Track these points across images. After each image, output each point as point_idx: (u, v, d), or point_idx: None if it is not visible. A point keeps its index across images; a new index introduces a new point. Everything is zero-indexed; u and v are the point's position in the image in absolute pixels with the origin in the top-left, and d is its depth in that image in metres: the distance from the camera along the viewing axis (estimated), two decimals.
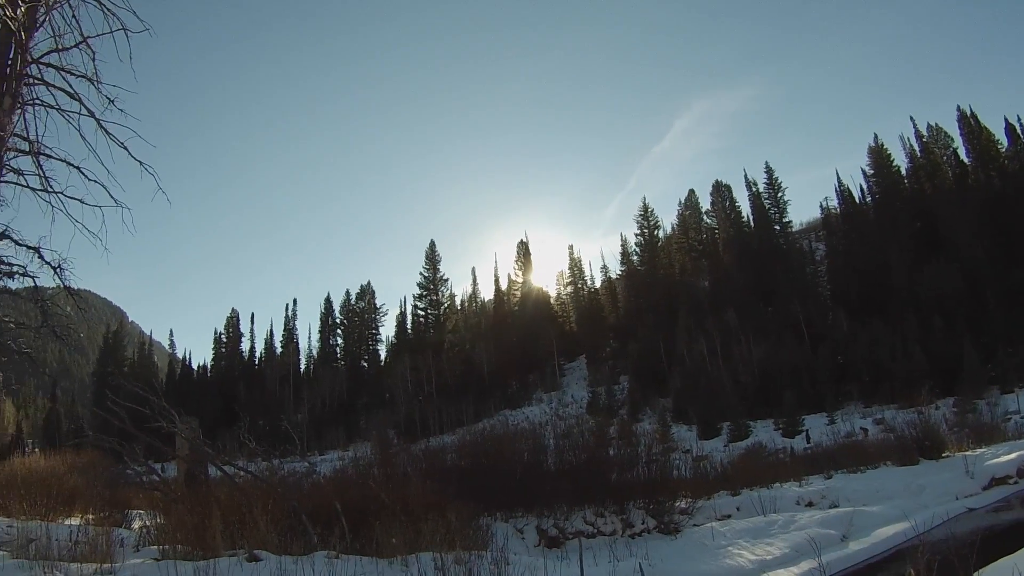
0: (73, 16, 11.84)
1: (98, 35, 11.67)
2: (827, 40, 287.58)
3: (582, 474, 13.63)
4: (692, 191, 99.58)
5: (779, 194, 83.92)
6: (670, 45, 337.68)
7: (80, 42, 11.67)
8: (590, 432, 16.23)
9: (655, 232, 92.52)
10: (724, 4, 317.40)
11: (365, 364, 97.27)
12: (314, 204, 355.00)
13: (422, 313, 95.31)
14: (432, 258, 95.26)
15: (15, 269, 11.39)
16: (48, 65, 11.80)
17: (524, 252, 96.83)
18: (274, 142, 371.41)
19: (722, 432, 52.26)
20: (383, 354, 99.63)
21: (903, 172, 77.65)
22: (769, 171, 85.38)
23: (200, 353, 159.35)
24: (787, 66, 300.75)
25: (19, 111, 11.45)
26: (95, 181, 11.57)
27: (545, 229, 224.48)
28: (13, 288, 11.80)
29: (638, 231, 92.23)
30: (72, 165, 11.56)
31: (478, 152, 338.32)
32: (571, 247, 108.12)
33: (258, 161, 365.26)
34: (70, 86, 11.78)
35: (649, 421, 58.80)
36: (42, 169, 11.64)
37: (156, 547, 8.70)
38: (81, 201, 11.51)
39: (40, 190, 11.60)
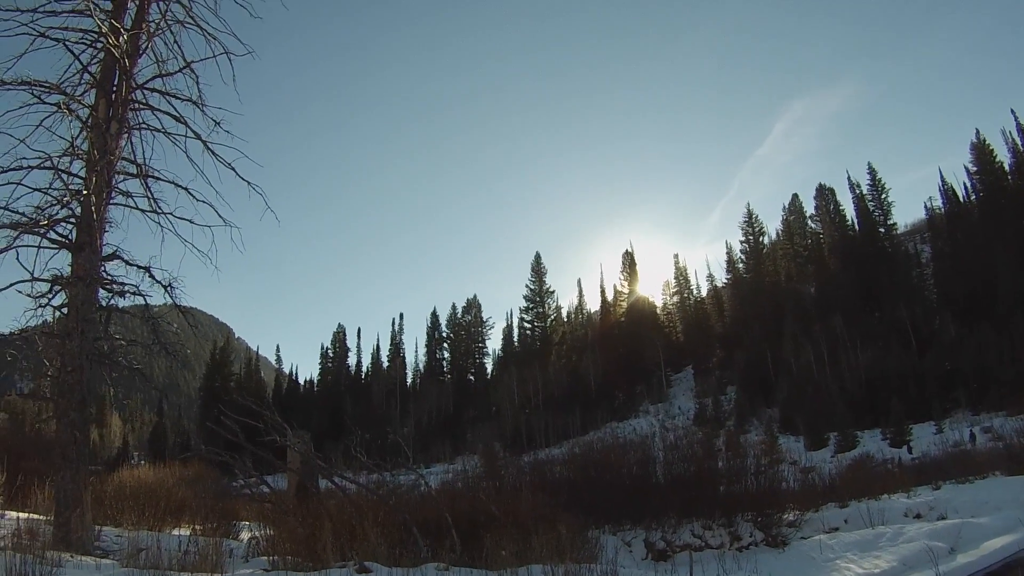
0: (175, 42, 12.17)
1: (201, 60, 11.97)
2: (923, 33, 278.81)
3: (690, 486, 13.45)
4: (796, 195, 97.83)
5: (883, 195, 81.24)
6: (765, 47, 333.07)
7: (184, 67, 11.95)
8: (698, 444, 15.95)
9: (760, 238, 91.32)
10: (818, 1, 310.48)
11: (472, 377, 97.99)
12: (419, 219, 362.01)
13: (528, 325, 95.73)
14: (538, 270, 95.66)
15: (127, 288, 11.68)
16: (153, 90, 12.10)
17: (629, 262, 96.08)
18: (379, 159, 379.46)
19: (829, 442, 51.25)
20: (490, 367, 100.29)
21: (1007, 168, 74.41)
22: (872, 172, 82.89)
23: (306, 368, 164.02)
24: (884, 62, 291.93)
25: (126, 135, 11.75)
26: (203, 201, 11.81)
27: (649, 238, 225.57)
28: (123, 306, 12.11)
29: (743, 238, 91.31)
30: (180, 186, 11.81)
31: (580, 162, 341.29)
32: (676, 256, 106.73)
33: (363, 178, 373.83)
34: (175, 110, 12.06)
35: (756, 432, 58.09)
36: (150, 191, 11.93)
37: (265, 557, 8.76)
38: (190, 221, 11.75)
39: (149, 211, 11.88)
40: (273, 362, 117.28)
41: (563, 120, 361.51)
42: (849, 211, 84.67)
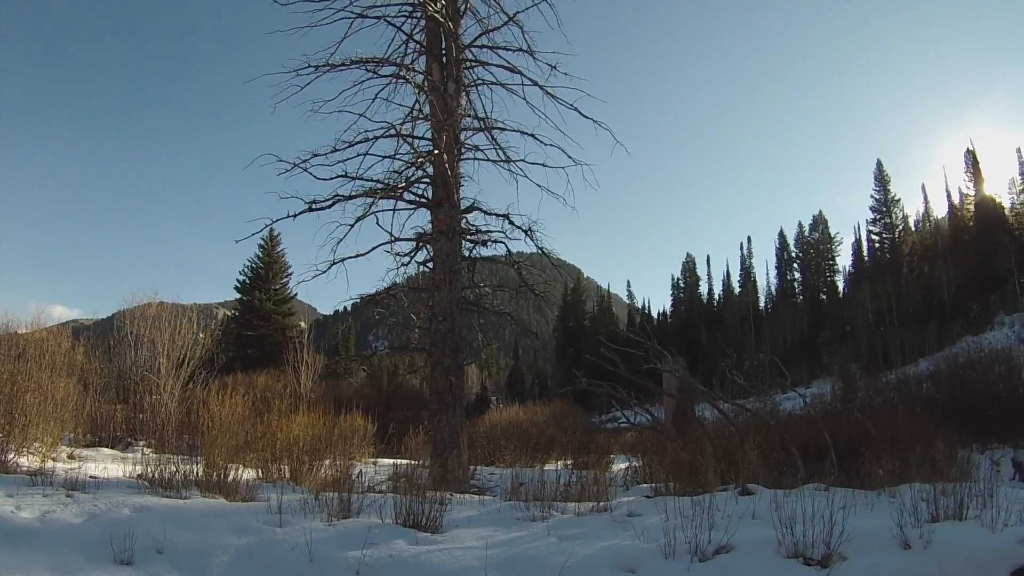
0: None
1: (524, 10, 12.29)
2: None
3: None
4: None
5: None
6: None
7: (507, 20, 12.39)
8: None
9: None
10: None
11: (824, 296, 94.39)
12: (756, 138, 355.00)
13: (876, 238, 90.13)
14: (881, 178, 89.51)
15: (492, 236, 12.37)
16: (482, 46, 12.69)
17: (972, 161, 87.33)
18: (708, 79, 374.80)
19: None
20: (841, 285, 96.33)
21: None
22: None
23: (658, 301, 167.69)
24: None
25: (464, 93, 12.39)
26: (551, 144, 12.25)
27: (989, 133, 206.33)
28: (483, 255, 12.85)
29: None
30: (525, 133, 12.32)
31: (906, 58, 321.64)
32: (1019, 150, 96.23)
33: (698, 102, 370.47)
34: (507, 62, 12.57)
35: None
36: (496, 142, 12.55)
37: (646, 484, 8.97)
38: (543, 165, 12.23)
39: (499, 161, 12.52)
40: (624, 298, 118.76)
41: (893, 17, 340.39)
42: None
